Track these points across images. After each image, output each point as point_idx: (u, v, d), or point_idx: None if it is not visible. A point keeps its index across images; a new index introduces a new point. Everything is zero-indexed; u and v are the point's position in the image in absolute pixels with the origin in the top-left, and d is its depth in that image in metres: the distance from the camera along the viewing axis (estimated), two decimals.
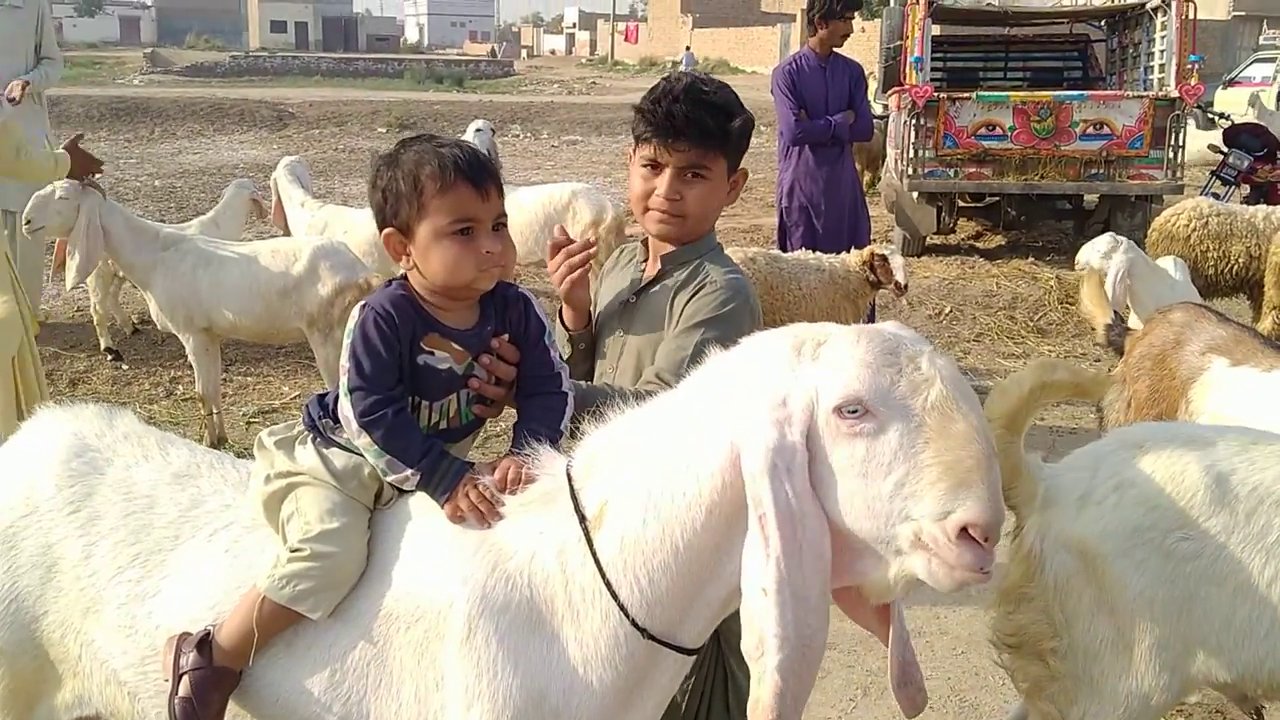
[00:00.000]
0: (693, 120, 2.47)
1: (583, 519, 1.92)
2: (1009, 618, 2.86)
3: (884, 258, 6.60)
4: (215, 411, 6.25)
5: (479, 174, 2.15)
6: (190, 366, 6.36)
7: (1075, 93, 11.35)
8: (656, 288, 2.61)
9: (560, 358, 2.29)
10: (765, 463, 1.68)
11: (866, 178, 14.03)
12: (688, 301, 2.51)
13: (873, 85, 12.96)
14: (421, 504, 2.10)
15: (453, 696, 1.94)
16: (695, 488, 1.81)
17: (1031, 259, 11.11)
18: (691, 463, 1.82)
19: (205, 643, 2.10)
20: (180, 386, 7.29)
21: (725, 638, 2.44)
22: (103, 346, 7.87)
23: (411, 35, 75.39)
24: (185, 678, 2.09)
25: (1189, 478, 2.66)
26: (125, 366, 7.73)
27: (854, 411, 1.66)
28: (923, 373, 1.68)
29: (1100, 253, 6.54)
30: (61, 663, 2.33)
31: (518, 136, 23.56)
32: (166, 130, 22.83)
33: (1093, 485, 2.75)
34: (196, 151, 20.01)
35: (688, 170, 2.51)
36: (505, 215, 2.22)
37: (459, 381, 2.19)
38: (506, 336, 2.23)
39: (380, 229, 2.21)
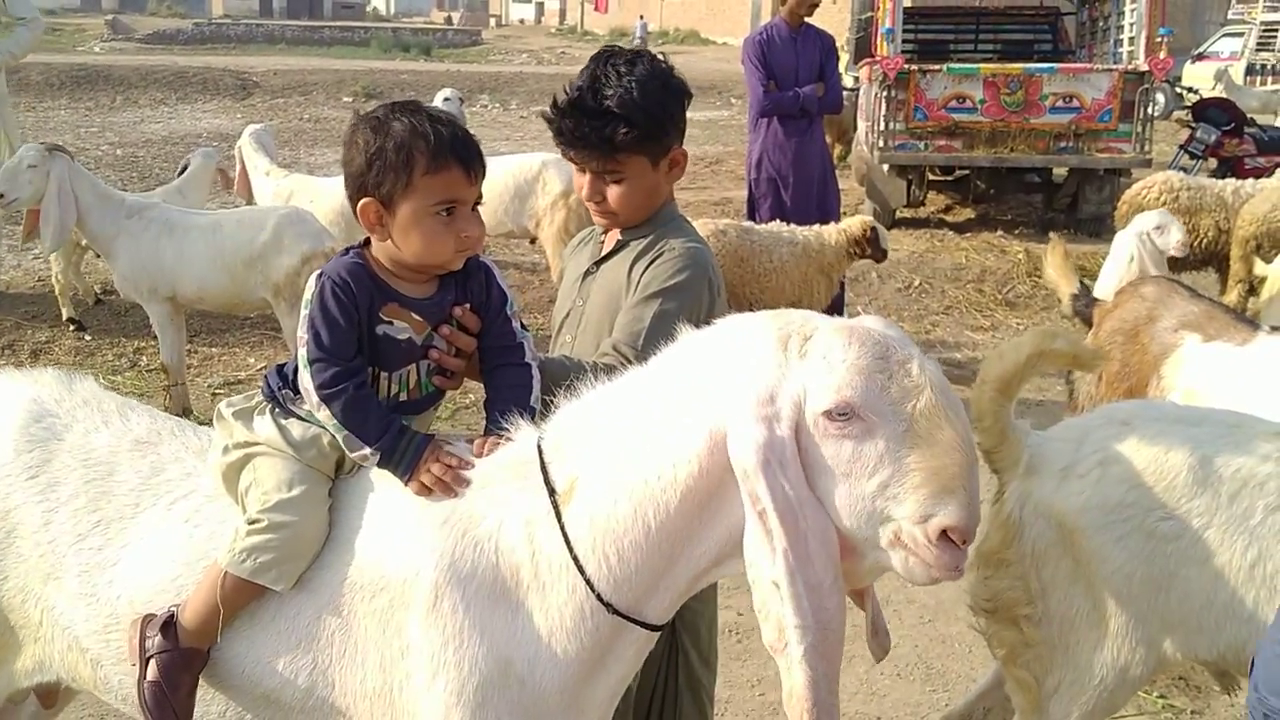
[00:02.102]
0: (579, 135, 2.46)
1: (552, 493, 1.92)
2: (985, 582, 2.87)
3: (875, 230, 6.63)
4: (180, 383, 6.18)
5: (470, 155, 2.11)
6: (154, 337, 6.29)
7: (1045, 65, 11.40)
8: (615, 258, 2.61)
9: (522, 328, 2.27)
10: (758, 459, 1.70)
11: (837, 150, 14.02)
12: (645, 270, 2.49)
13: (844, 57, 12.96)
14: (385, 472, 2.08)
15: (418, 664, 1.94)
16: (671, 472, 1.82)
17: (1000, 232, 11.17)
18: (667, 447, 1.83)
19: (170, 624, 2.07)
20: (144, 357, 7.21)
21: (680, 614, 2.44)
22: (65, 317, 7.76)
23: (378, 2, 74.60)
24: (152, 661, 2.06)
25: (1173, 458, 2.66)
26: (88, 337, 7.63)
27: (844, 415, 1.70)
28: (913, 379, 1.72)
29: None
30: (22, 629, 2.31)
31: (486, 107, 23.36)
32: (128, 99, 22.47)
33: (1077, 458, 2.75)
34: (159, 120, 19.71)
35: (602, 173, 2.52)
36: (482, 195, 2.20)
37: (419, 352, 2.17)
38: (468, 306, 2.20)
39: (355, 195, 2.14)
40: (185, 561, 2.14)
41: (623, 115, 2.43)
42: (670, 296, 2.41)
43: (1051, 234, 6.12)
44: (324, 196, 7.29)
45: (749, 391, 1.75)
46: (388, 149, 2.08)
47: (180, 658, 2.06)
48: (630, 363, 2.22)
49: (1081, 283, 5.04)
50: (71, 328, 7.69)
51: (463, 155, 2.09)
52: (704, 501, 1.82)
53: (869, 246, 6.69)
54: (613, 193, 2.53)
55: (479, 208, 2.18)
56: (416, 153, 2.07)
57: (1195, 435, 2.70)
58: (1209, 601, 2.62)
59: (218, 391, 6.70)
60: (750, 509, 1.72)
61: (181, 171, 8.16)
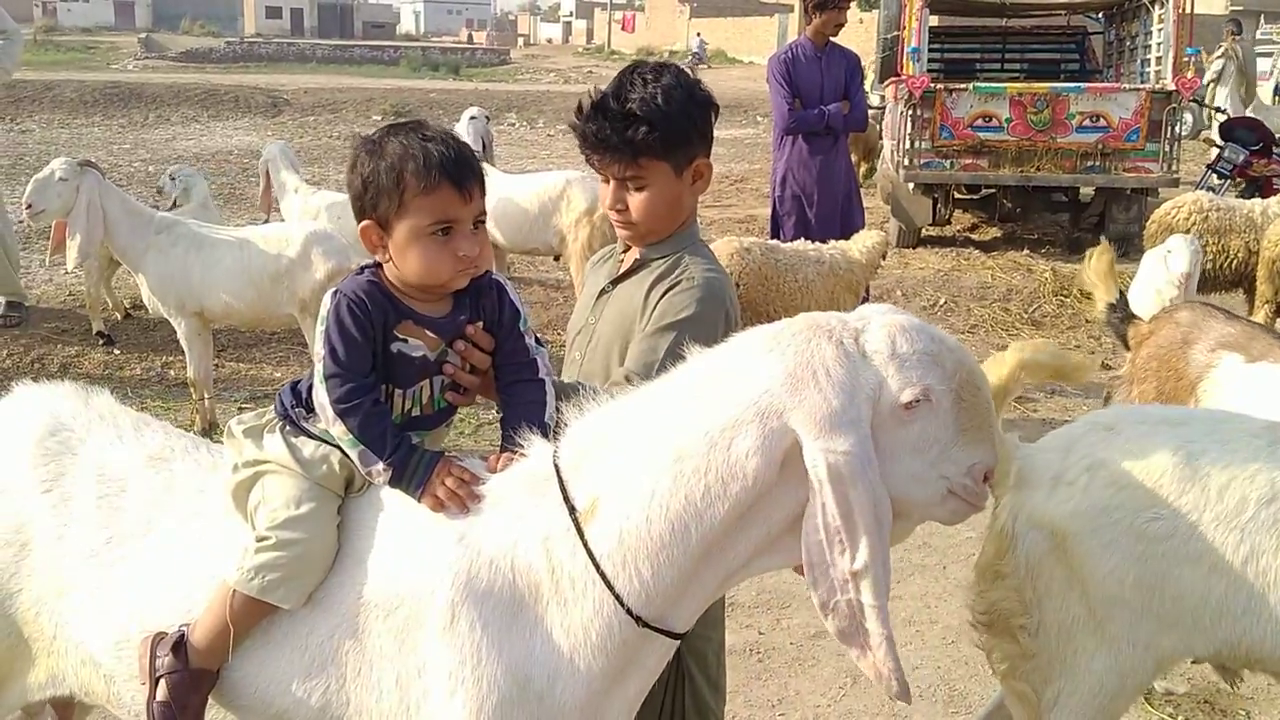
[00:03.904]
0: (601, 137, 2.47)
1: (573, 510, 1.91)
2: (982, 595, 2.88)
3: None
4: (206, 397, 6.23)
5: (463, 174, 2.10)
6: (182, 352, 6.34)
7: (1072, 85, 11.38)
8: (632, 278, 2.59)
9: (537, 343, 2.26)
10: (850, 468, 1.76)
11: (863, 169, 14.00)
12: (662, 296, 2.48)
13: (870, 77, 12.95)
14: (395, 490, 2.08)
15: (435, 683, 1.93)
16: (720, 488, 1.83)
17: (1027, 251, 11.10)
18: (715, 463, 1.83)
19: (180, 644, 2.06)
20: (172, 371, 7.27)
21: (686, 641, 2.42)
22: (94, 330, 7.83)
23: (407, 22, 75.23)
24: (162, 681, 2.06)
25: (1159, 458, 2.66)
26: (117, 351, 7.70)
27: (918, 401, 1.83)
28: (953, 354, 1.89)
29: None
30: (35, 642, 2.31)
31: (514, 125, 23.49)
32: (161, 116, 22.74)
33: (1065, 466, 2.75)
34: (191, 137, 19.93)
35: (625, 180, 2.51)
36: (485, 213, 2.19)
37: (433, 368, 2.17)
38: (481, 324, 2.20)
39: (358, 218, 2.16)
40: (196, 580, 2.13)
41: (644, 117, 2.43)
42: (686, 329, 2.39)
43: (1103, 239, 6.02)
44: (351, 214, 7.34)
45: (824, 400, 1.79)
46: (380, 171, 2.08)
47: (190, 678, 2.06)
48: None
49: (1121, 294, 4.94)
50: (101, 342, 7.75)
51: (454, 175, 2.08)
52: (748, 510, 1.85)
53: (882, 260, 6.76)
54: (635, 201, 2.51)
55: (483, 225, 2.17)
56: (407, 174, 2.06)
57: (1181, 435, 2.70)
58: (1203, 599, 2.61)
59: (244, 406, 6.75)
60: (828, 513, 1.77)
61: (169, 198, 8.19)
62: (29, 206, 6.10)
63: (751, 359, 1.88)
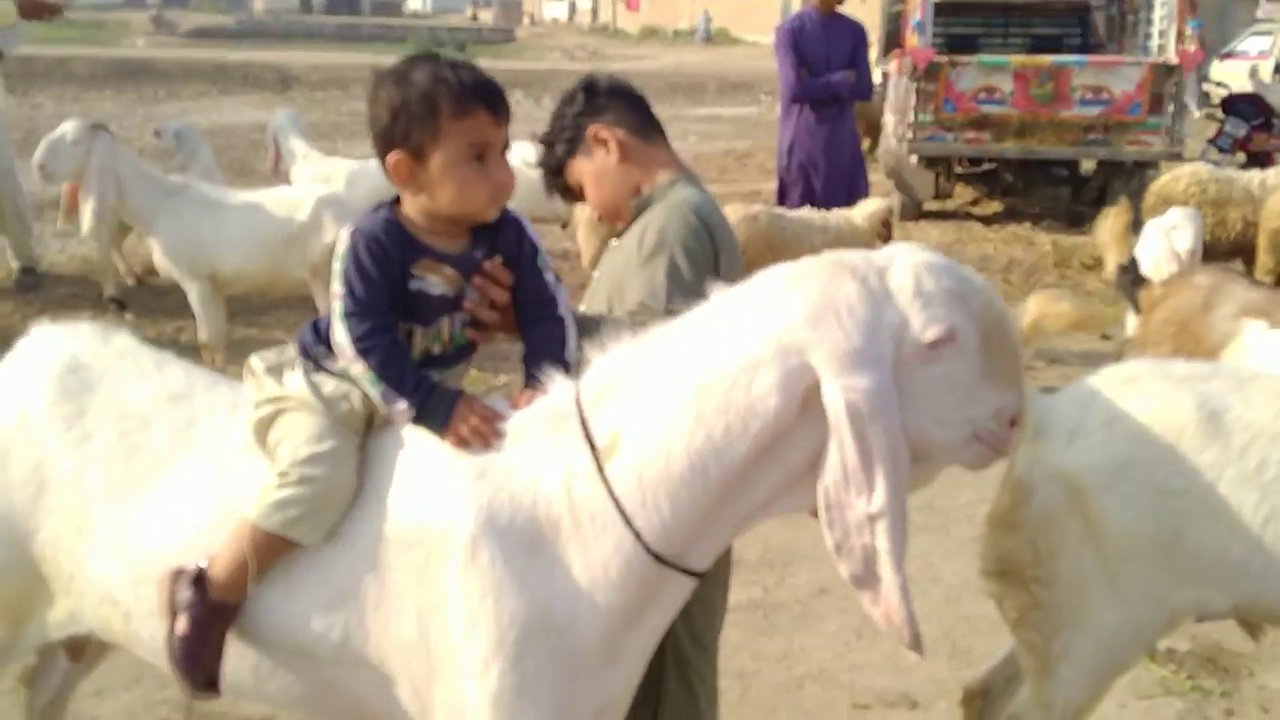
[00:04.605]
0: (545, 183, 2.82)
1: (593, 446, 1.91)
2: (994, 545, 2.85)
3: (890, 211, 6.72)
4: (219, 361, 6.29)
5: (494, 96, 2.09)
6: (194, 317, 6.37)
7: (1075, 58, 11.33)
8: (628, 231, 2.65)
9: (555, 280, 2.25)
10: (870, 405, 1.73)
11: (865, 144, 14.01)
12: (641, 236, 2.55)
13: (873, 52, 12.93)
14: (415, 427, 2.07)
15: (456, 617, 1.93)
16: (740, 425, 1.81)
17: (1028, 224, 11.12)
18: (736, 400, 1.81)
19: (200, 579, 2.06)
20: (184, 336, 7.34)
21: None
22: (106, 295, 7.89)
23: (414, 0, 74.88)
24: (182, 615, 2.06)
25: (1181, 413, 2.62)
26: (129, 316, 7.77)
27: (943, 341, 1.78)
28: (980, 294, 1.85)
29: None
30: (54, 580, 2.31)
31: (519, 102, 23.38)
32: (171, 91, 22.70)
33: (1084, 419, 2.72)
34: (201, 112, 19.89)
35: (574, 188, 2.77)
36: (509, 141, 2.20)
37: (452, 306, 2.14)
38: (499, 259, 2.18)
39: (384, 151, 2.10)
40: (216, 516, 2.12)
41: (544, 144, 2.72)
42: (673, 246, 2.47)
43: (1122, 199, 5.93)
44: (359, 179, 7.43)
45: (845, 337, 1.75)
46: (412, 99, 2.05)
47: (210, 612, 2.05)
48: (659, 315, 2.24)
49: (1132, 257, 4.91)
50: (113, 307, 7.82)
51: (487, 97, 2.07)
52: (768, 449, 1.83)
53: (888, 228, 6.80)
54: (590, 199, 2.72)
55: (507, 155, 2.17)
56: (440, 99, 2.03)
57: (1204, 390, 2.65)
58: (1221, 557, 2.57)
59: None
60: (846, 452, 1.74)
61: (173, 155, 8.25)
62: (41, 168, 6.14)
63: (773, 296, 1.86)
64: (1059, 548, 2.71)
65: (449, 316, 2.15)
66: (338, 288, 2.07)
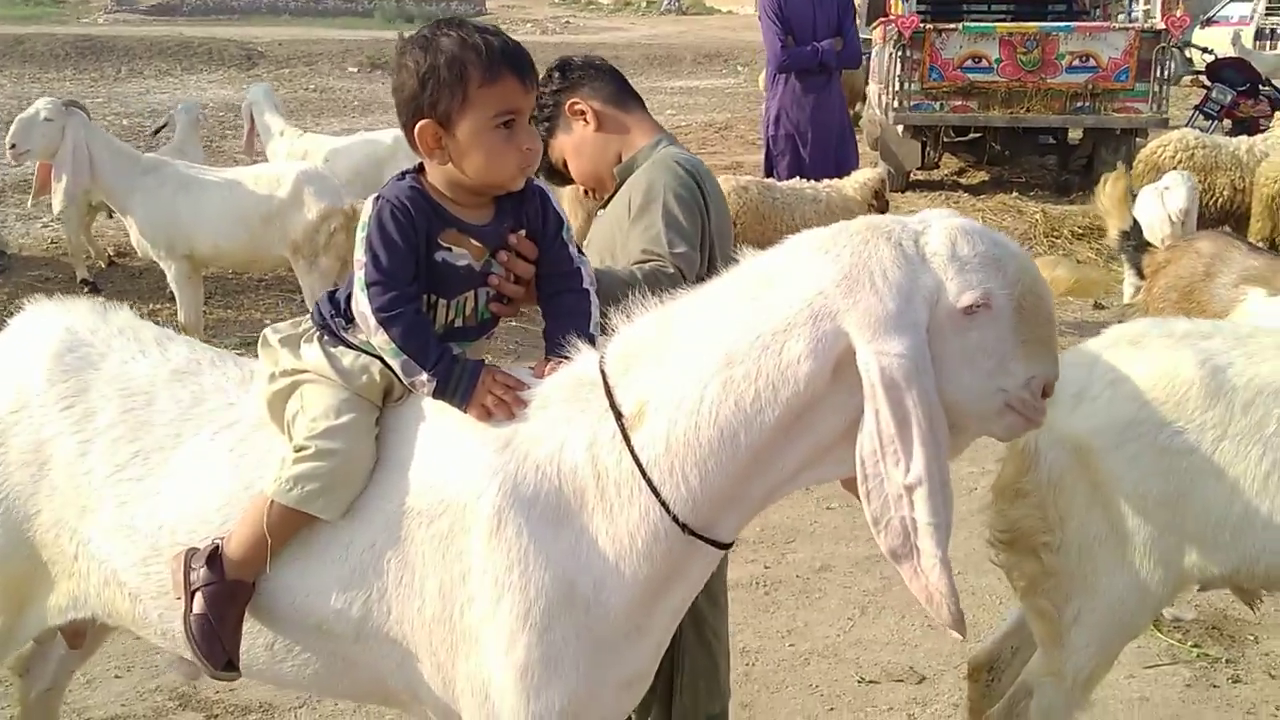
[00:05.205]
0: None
1: (619, 415, 1.87)
2: (1003, 513, 2.85)
3: (884, 180, 6.63)
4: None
5: (523, 63, 2.04)
6: (170, 299, 6.28)
7: (1061, 24, 11.29)
8: (615, 196, 2.67)
9: (579, 252, 2.21)
10: (905, 370, 1.69)
11: (852, 112, 13.92)
12: (629, 197, 2.56)
13: (858, 21, 12.81)
14: (433, 399, 2.03)
15: (481, 589, 1.90)
16: (771, 393, 1.77)
17: (1016, 193, 11.08)
18: (766, 367, 1.77)
19: (215, 556, 2.02)
20: (159, 319, 7.18)
21: None
22: (79, 278, 7.73)
23: None
24: (198, 594, 2.02)
25: (1184, 372, 2.63)
26: (102, 298, 7.56)
27: (978, 307, 1.74)
28: (1016, 259, 1.79)
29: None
30: (55, 564, 2.27)
31: None
32: (133, 69, 22.38)
33: (1089, 381, 2.72)
34: (164, 90, 19.64)
35: (561, 166, 2.78)
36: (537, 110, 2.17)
37: (477, 278, 2.10)
38: (524, 232, 2.14)
39: (411, 120, 2.04)
40: (230, 492, 2.09)
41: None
42: (658, 198, 2.48)
43: (1120, 165, 5.97)
44: (339, 156, 7.26)
45: (879, 301, 1.71)
46: (440, 66, 1.99)
47: (227, 590, 2.02)
48: (665, 259, 2.36)
49: (1134, 222, 4.91)
50: (85, 289, 7.61)
51: (516, 63, 2.03)
52: (799, 417, 1.78)
53: (880, 199, 6.70)
54: (573, 172, 2.74)
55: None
56: (470, 65, 1.99)
57: (1207, 348, 2.67)
58: (1225, 515, 2.59)
59: (238, 352, 6.68)
60: (881, 420, 1.69)
61: (157, 131, 8.09)
62: (13, 147, 6.01)
63: (805, 260, 1.81)
64: (1068, 512, 2.73)
65: (474, 291, 2.11)
66: (361, 255, 2.01)
